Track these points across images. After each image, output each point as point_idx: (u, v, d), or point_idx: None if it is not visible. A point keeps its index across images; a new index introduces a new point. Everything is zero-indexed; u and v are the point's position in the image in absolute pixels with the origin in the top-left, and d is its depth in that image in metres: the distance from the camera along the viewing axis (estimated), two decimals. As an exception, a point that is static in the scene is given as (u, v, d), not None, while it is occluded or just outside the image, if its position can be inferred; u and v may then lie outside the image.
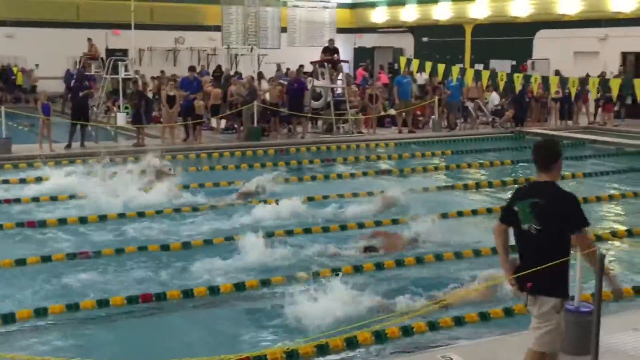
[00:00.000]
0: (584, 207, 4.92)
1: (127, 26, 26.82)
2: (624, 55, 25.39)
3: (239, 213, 11.64)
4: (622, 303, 7.59)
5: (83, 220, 11.29)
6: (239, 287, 8.35)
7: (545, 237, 4.83)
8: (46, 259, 9.37)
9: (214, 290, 8.23)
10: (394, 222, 11.24)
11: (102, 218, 11.50)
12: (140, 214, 11.71)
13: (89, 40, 27.21)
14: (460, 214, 11.85)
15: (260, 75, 24.11)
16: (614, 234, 10.52)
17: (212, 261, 9.09)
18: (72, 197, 12.75)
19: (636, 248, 9.37)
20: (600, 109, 23.37)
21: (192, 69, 21.27)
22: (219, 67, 28.15)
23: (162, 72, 25.66)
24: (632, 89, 15.48)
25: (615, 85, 15.98)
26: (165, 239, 10.35)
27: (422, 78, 24.58)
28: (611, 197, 13.25)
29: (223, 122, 21.75)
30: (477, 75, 21.16)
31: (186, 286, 8.32)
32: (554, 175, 4.98)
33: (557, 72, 23.22)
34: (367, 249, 9.85)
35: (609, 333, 6.14)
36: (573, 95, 22.30)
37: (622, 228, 10.86)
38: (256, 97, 19.76)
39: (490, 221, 11.16)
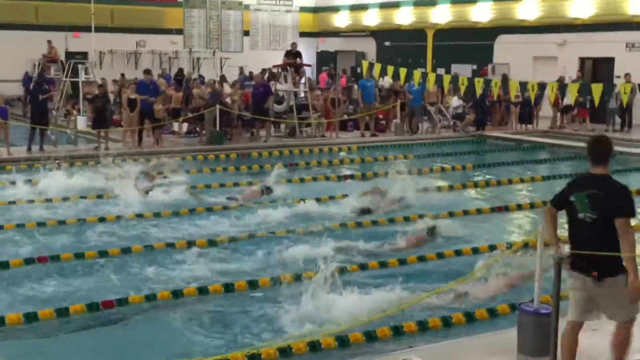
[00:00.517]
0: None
1: (87, 29, 26.52)
2: (582, 60, 25.82)
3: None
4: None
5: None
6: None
7: (599, 226, 5.32)
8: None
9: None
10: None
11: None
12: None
13: (49, 42, 26.84)
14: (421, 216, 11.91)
15: (223, 79, 24.01)
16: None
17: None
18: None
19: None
20: (562, 113, 23.79)
21: (147, 72, 20.98)
22: (180, 70, 27.97)
23: (123, 75, 25.44)
24: (590, 94, 15.75)
25: (573, 90, 16.26)
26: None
27: (385, 81, 24.69)
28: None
29: (185, 126, 21.62)
30: (439, 80, 21.34)
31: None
32: (607, 169, 5.52)
33: (504, 77, 23.53)
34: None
35: (568, 334, 6.23)
36: (532, 99, 22.64)
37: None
38: (218, 100, 19.68)
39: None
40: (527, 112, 23.23)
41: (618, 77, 23.45)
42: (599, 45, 24.70)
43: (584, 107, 23.06)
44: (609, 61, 24.64)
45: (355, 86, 24.50)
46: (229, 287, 8.47)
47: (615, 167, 16.26)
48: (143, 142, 19.11)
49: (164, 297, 8.15)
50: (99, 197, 13.11)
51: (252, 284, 8.57)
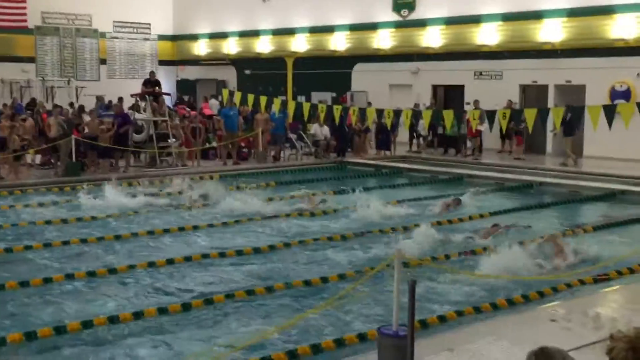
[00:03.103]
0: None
1: None
2: (435, 87, 26.96)
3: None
4: (441, 325, 8.05)
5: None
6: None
7: None
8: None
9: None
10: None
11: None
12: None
13: None
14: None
15: (82, 109, 23.26)
16: (434, 258, 11.00)
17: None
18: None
19: (450, 273, 9.82)
20: (420, 139, 24.73)
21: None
22: (33, 100, 26.88)
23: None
24: (442, 120, 16.46)
25: (427, 117, 16.93)
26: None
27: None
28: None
29: (38, 158, 20.73)
30: (299, 107, 21.60)
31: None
32: None
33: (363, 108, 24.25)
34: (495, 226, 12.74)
35: (426, 354, 6.40)
36: (389, 126, 23.31)
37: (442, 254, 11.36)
38: (73, 131, 19.03)
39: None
40: (385, 139, 23.95)
41: (468, 103, 24.66)
42: (449, 73, 25.91)
43: (435, 133, 24.14)
44: (459, 88, 25.87)
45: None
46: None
47: (465, 189, 17.14)
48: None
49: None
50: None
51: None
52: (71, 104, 24.89)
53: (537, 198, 16.94)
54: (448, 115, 15.62)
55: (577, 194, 17.32)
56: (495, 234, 12.41)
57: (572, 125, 19.45)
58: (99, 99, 27.05)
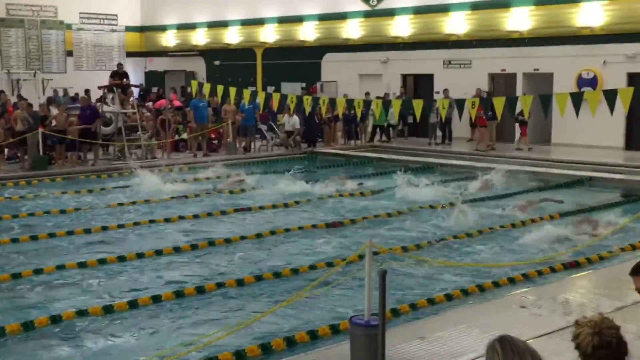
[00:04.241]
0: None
1: None
2: (404, 77, 27.03)
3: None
4: (413, 313, 8.09)
5: None
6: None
7: None
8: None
9: None
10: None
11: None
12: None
13: None
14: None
15: (50, 101, 22.93)
16: (405, 249, 11.03)
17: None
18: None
19: (421, 263, 9.85)
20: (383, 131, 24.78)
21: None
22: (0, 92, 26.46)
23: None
24: (412, 109, 16.46)
25: (396, 106, 16.93)
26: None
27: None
28: (400, 212, 13.91)
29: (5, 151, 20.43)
30: (268, 98, 21.52)
31: None
32: None
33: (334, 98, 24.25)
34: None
35: (398, 343, 6.44)
36: (359, 115, 23.36)
37: (412, 244, 11.41)
38: (40, 124, 18.78)
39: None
40: (354, 128, 23.98)
41: (437, 92, 24.78)
42: (419, 62, 25.99)
43: (405, 122, 24.25)
44: (429, 78, 25.97)
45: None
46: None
47: (439, 178, 17.29)
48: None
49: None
50: None
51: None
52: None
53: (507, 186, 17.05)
54: (418, 105, 15.64)
55: (546, 181, 17.46)
56: (531, 207, 13.90)
57: (494, 110, 19.48)
58: (65, 91, 26.77)
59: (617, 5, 21.59)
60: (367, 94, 24.51)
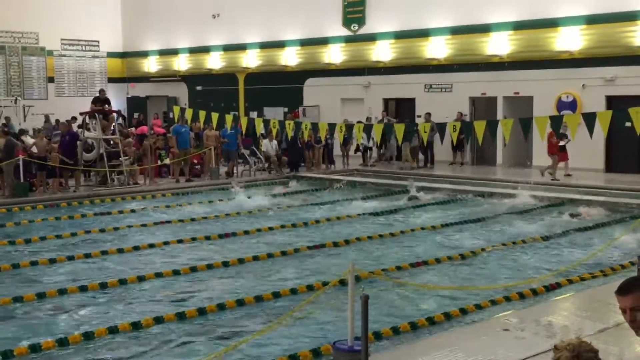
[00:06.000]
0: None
1: None
2: (386, 101, 27.17)
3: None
4: (395, 339, 8.07)
5: None
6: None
7: None
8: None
9: None
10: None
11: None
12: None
13: None
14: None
15: (22, 132, 22.55)
16: (398, 267, 11.08)
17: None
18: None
19: (401, 285, 9.85)
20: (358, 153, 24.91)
21: None
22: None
23: None
24: (394, 133, 16.54)
25: (378, 130, 17.02)
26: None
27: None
28: (381, 236, 13.94)
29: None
30: (251, 123, 21.54)
31: None
32: None
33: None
34: (573, 215, 14.95)
35: (381, 368, 6.41)
36: (341, 140, 23.41)
37: (406, 263, 11.49)
38: (14, 153, 18.52)
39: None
40: (328, 153, 24.23)
41: (419, 116, 24.90)
42: (400, 87, 26.16)
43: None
44: (411, 101, 26.12)
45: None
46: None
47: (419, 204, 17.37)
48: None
49: None
50: None
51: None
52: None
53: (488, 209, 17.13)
54: (399, 128, 15.72)
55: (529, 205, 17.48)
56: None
57: (411, 131, 19.53)
58: (47, 118, 26.64)
59: (595, 30, 21.88)
60: (346, 120, 24.60)
